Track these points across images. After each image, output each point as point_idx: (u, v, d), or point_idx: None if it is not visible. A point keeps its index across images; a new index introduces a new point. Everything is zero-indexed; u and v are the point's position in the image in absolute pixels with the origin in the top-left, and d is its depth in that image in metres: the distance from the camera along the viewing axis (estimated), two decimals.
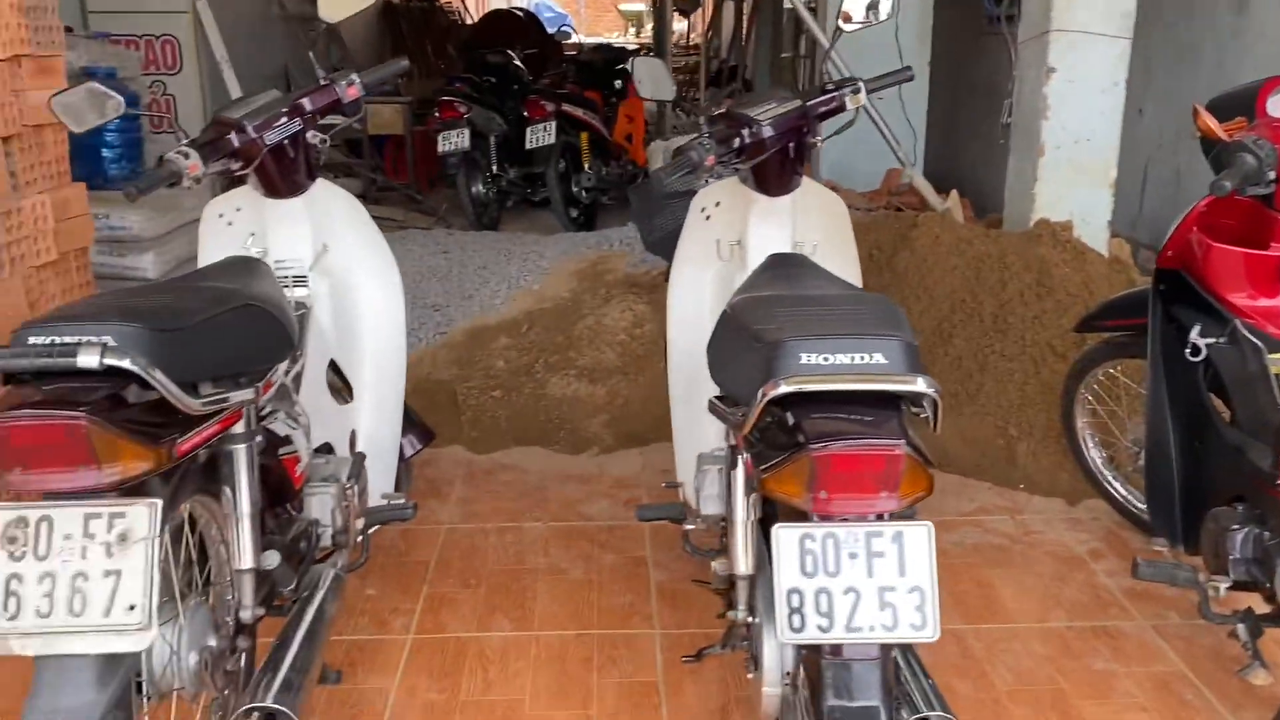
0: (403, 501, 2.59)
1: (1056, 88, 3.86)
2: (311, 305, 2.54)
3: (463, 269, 5.39)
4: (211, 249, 2.68)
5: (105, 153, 4.59)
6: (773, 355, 1.58)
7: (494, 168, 7.24)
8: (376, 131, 8.25)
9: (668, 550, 2.99)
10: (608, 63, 8.22)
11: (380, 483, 2.67)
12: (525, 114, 7.11)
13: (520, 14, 12.58)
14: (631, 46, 13.59)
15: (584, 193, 7.39)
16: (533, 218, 7.69)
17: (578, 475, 3.49)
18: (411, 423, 2.91)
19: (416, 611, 2.71)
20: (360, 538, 2.43)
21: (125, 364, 1.48)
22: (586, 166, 7.37)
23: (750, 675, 1.98)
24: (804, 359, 1.56)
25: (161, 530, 1.51)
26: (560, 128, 7.12)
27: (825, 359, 1.56)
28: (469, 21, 14.70)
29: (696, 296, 2.72)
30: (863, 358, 1.56)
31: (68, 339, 1.51)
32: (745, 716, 2.32)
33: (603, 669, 2.48)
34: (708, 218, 2.72)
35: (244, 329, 1.85)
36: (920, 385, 1.53)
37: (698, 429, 2.72)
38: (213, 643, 1.82)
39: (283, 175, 2.51)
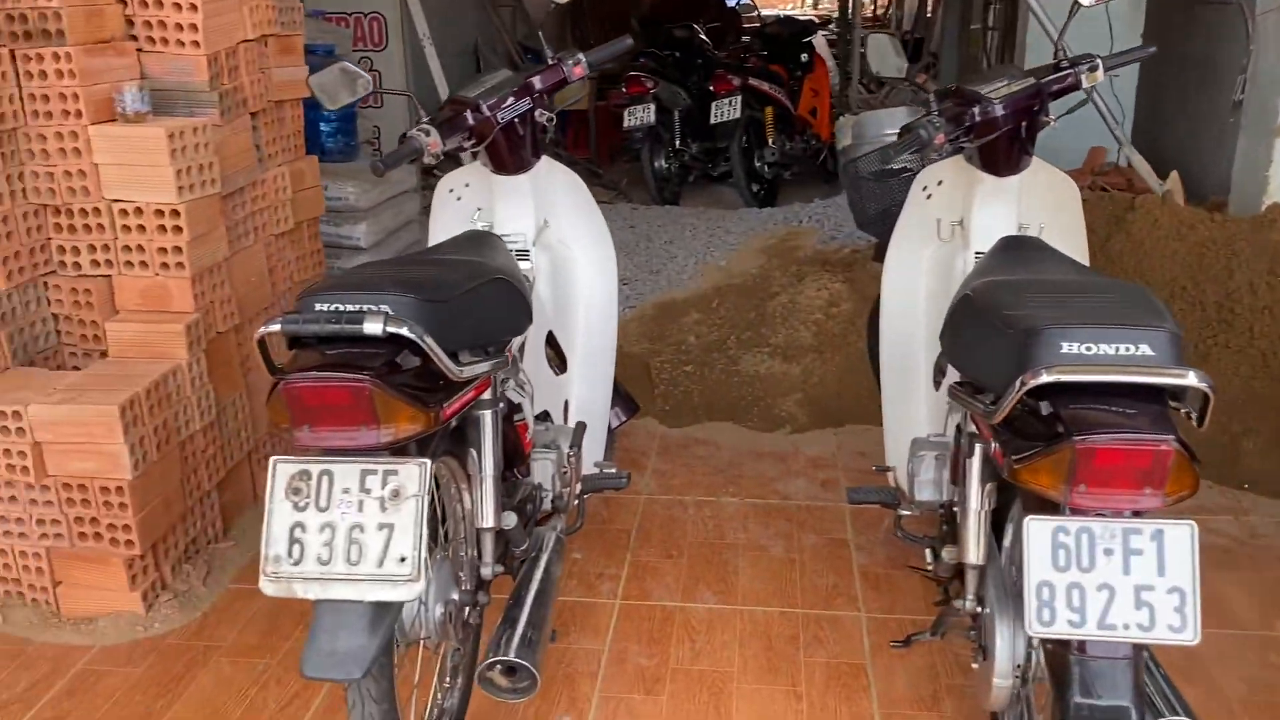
0: (615, 471, 2.66)
1: None
2: (534, 279, 2.63)
3: (649, 244, 5.46)
4: (441, 222, 2.81)
5: (323, 127, 4.82)
6: (1030, 343, 1.55)
7: (677, 142, 7.27)
8: (561, 106, 8.37)
9: (869, 533, 2.98)
10: (792, 36, 8.12)
11: (592, 451, 2.74)
12: (710, 88, 7.10)
13: None
14: (814, 19, 13.34)
15: (767, 168, 7.34)
16: (713, 193, 7.69)
17: (772, 453, 3.50)
18: (618, 394, 2.99)
19: (622, 578, 2.78)
20: (576, 503, 2.52)
21: (403, 331, 1.57)
22: (770, 141, 7.32)
23: (976, 665, 1.96)
24: (1065, 348, 1.52)
25: (429, 488, 1.60)
26: (745, 102, 7.09)
27: (1088, 349, 1.52)
28: None
29: (911, 276, 2.68)
30: (1128, 349, 1.51)
31: (350, 306, 1.61)
32: (956, 705, 2.29)
33: (809, 648, 2.49)
34: (929, 196, 2.66)
35: (496, 301, 1.93)
36: (1193, 379, 1.47)
37: (910, 412, 2.68)
38: (455, 596, 1.92)
39: (511, 152, 2.59)
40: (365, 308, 1.61)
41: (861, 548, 2.92)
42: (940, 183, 2.66)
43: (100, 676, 2.43)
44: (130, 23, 2.79)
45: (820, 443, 3.57)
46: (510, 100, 2.54)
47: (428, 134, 2.43)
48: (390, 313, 1.59)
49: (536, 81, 2.61)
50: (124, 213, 2.72)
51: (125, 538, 2.57)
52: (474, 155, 2.69)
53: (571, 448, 2.42)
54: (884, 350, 2.73)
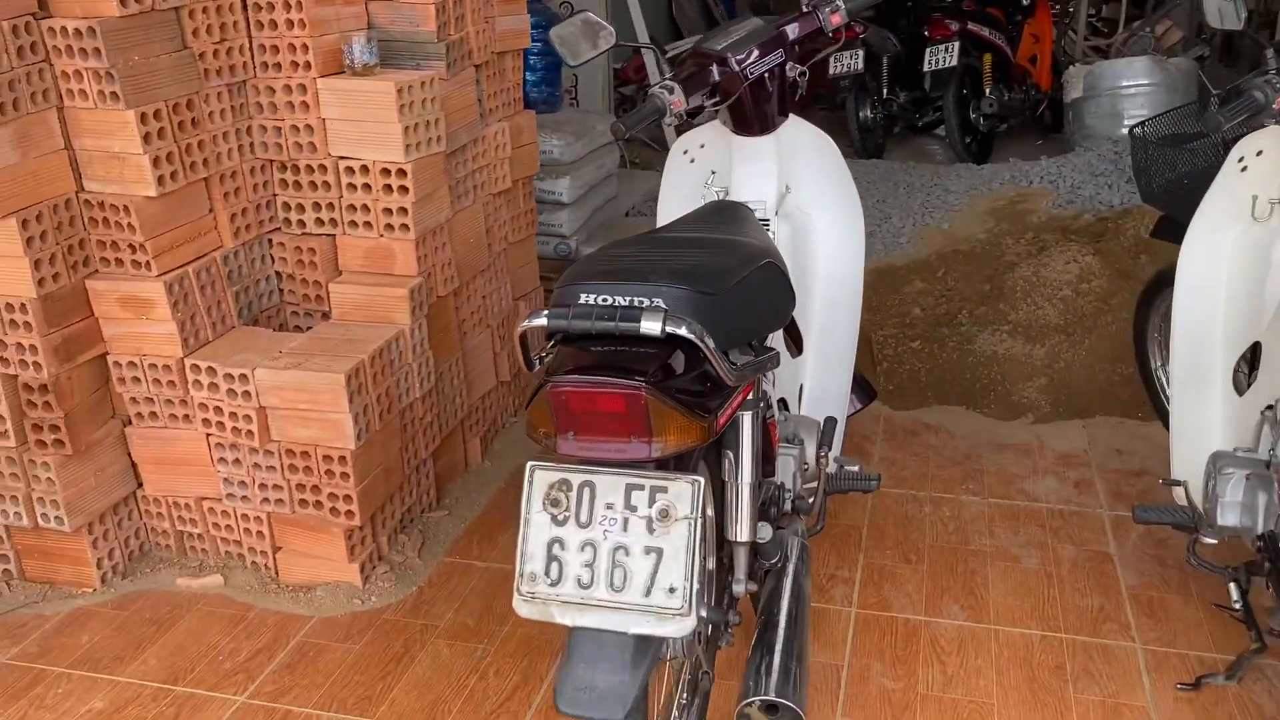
0: (858, 469, 2.41)
1: None
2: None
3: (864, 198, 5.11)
4: (671, 186, 2.60)
5: (528, 76, 4.68)
6: None
7: (885, 91, 6.84)
8: None
9: (1136, 548, 2.64)
10: None
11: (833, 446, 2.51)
12: (925, 33, 6.62)
13: None
14: None
15: (983, 120, 6.82)
16: (917, 146, 7.22)
17: (1013, 445, 3.18)
18: (854, 379, 2.73)
19: (856, 582, 2.55)
20: (819, 504, 2.29)
21: (682, 331, 1.37)
22: (988, 92, 6.79)
23: None
24: None
25: (703, 509, 1.40)
26: (963, 49, 6.58)
27: None
28: None
29: (1213, 261, 2.31)
30: None
31: (621, 299, 1.42)
32: None
33: (1079, 681, 2.20)
34: (1244, 169, 2.28)
35: (766, 289, 1.71)
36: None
37: (1204, 420, 2.33)
38: (704, 614, 1.73)
39: (757, 111, 2.36)
40: (638, 301, 1.41)
41: (1128, 564, 2.59)
42: (1260, 153, 2.27)
43: (320, 651, 2.37)
44: None
45: (1068, 436, 3.22)
46: (760, 53, 2.30)
47: (670, 91, 2.22)
48: (668, 309, 1.39)
49: (789, 31, 2.37)
50: (350, 170, 2.62)
51: (346, 508, 2.50)
52: (714, 114, 2.47)
53: (821, 447, 2.19)
54: (1175, 346, 2.38)
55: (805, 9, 2.41)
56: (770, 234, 2.42)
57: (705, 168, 2.54)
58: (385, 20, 2.70)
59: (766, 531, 1.83)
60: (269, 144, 2.64)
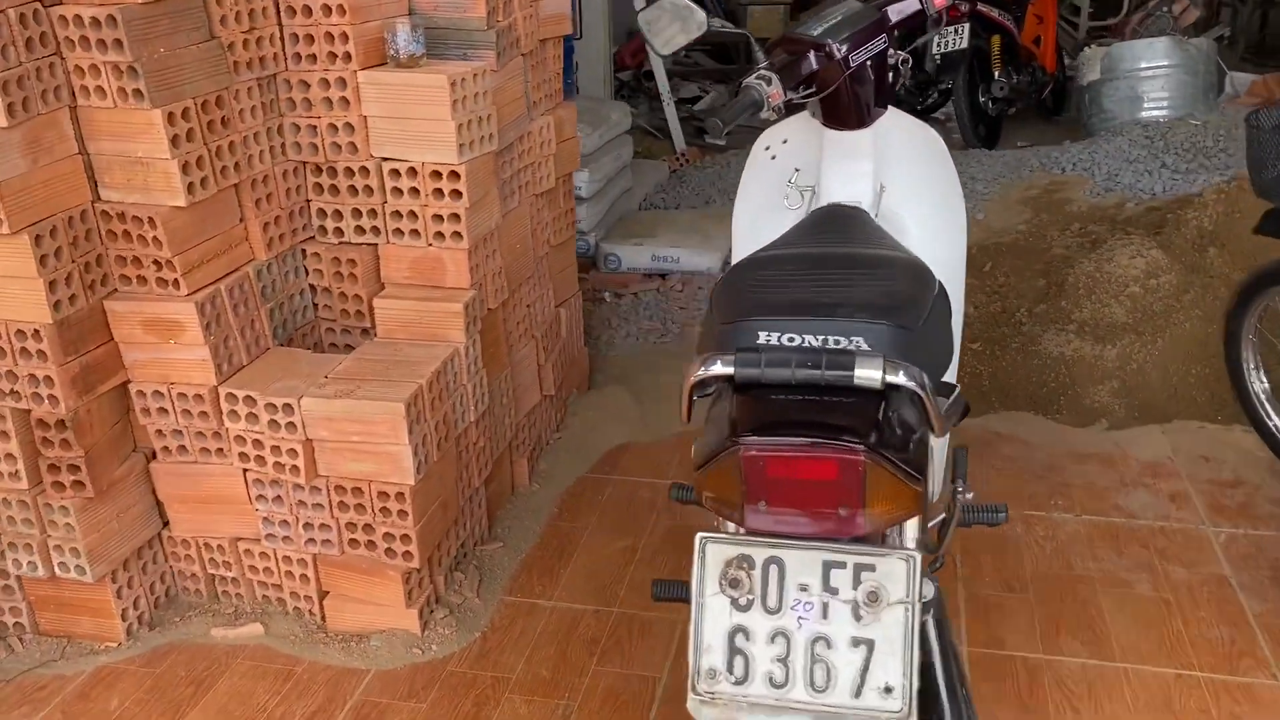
0: (977, 499, 2.19)
1: None
2: None
3: None
4: (751, 186, 2.38)
5: None
6: None
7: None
8: (758, 35, 7.80)
9: (1252, 569, 2.46)
10: None
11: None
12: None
13: None
14: None
15: (991, 104, 6.64)
16: None
17: (1095, 455, 2.98)
18: None
19: (962, 614, 2.35)
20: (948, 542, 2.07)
21: (901, 380, 1.14)
22: (997, 75, 6.60)
23: None
24: None
25: (920, 590, 1.18)
26: (972, 30, 6.38)
27: None
28: None
29: None
30: None
31: (813, 340, 1.19)
32: None
33: None
34: None
35: (945, 319, 1.48)
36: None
37: None
38: None
39: (855, 103, 2.13)
40: (834, 341, 1.18)
41: (1248, 589, 2.40)
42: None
43: (383, 713, 2.13)
44: None
45: (1149, 443, 3.03)
46: (862, 39, 2.07)
47: (768, 82, 1.99)
48: (883, 354, 1.16)
49: (892, 14, 2.14)
50: (395, 173, 2.36)
51: (403, 548, 2.25)
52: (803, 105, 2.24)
53: (957, 480, 1.97)
54: None
55: None
56: None
57: (788, 164, 2.31)
58: (428, 6, 2.44)
59: (930, 589, 1.61)
60: (303, 144, 2.37)
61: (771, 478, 1.13)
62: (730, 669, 1.20)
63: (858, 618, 1.18)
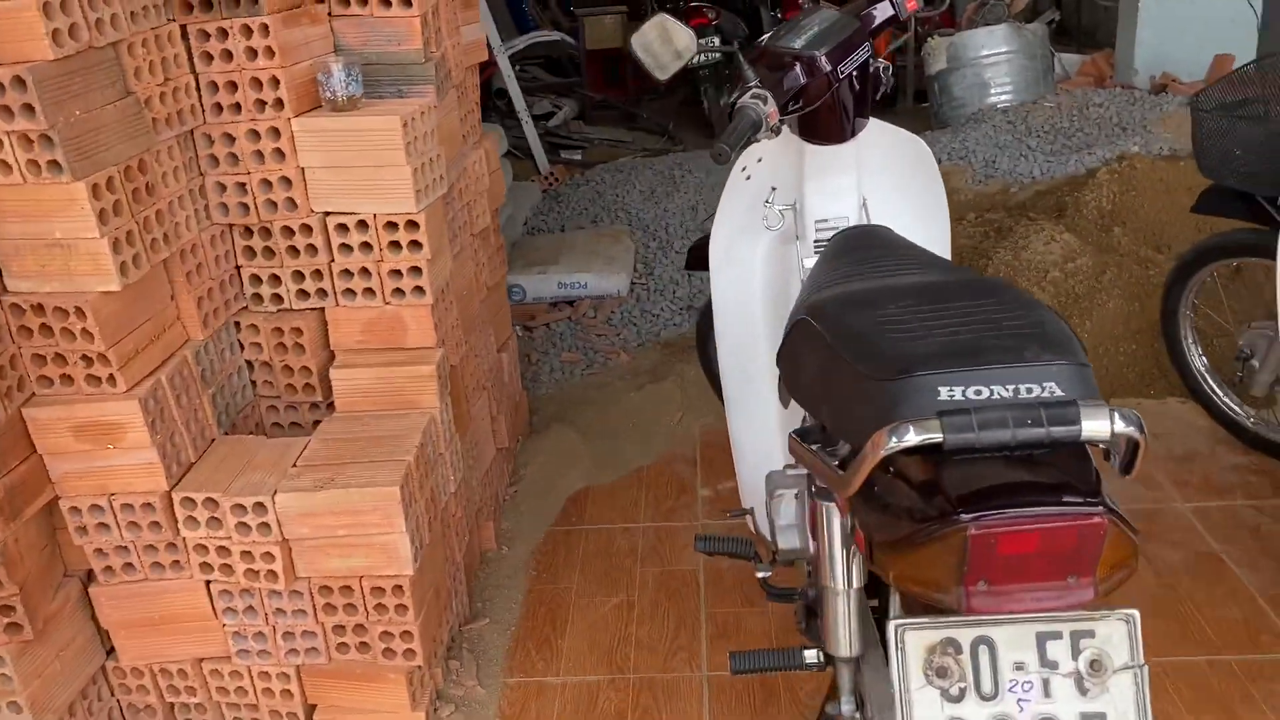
0: None
1: None
2: None
3: None
4: (728, 209, 2.27)
5: None
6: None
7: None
8: (596, 46, 7.71)
9: (1238, 543, 2.51)
10: None
11: None
12: (779, 15, 6.49)
13: None
14: None
15: None
16: None
17: None
18: None
19: None
20: None
21: (1127, 429, 1.03)
22: None
23: None
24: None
25: (1143, 652, 1.08)
26: None
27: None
28: None
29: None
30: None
31: (1003, 391, 1.07)
32: None
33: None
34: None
35: None
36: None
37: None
38: None
39: (839, 116, 2.05)
40: (1029, 389, 1.07)
41: (1242, 563, 2.44)
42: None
43: None
44: None
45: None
46: (848, 50, 1.99)
47: (764, 101, 1.88)
48: (1096, 398, 1.05)
49: (872, 20, 2.07)
50: (342, 228, 2.11)
51: (405, 646, 2.01)
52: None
53: None
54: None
55: None
56: None
57: (764, 183, 2.21)
58: (356, 40, 2.20)
59: None
60: (230, 205, 2.09)
61: (1003, 555, 1.01)
62: None
63: (1083, 691, 1.07)
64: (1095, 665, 1.07)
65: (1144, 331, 3.30)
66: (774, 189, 2.20)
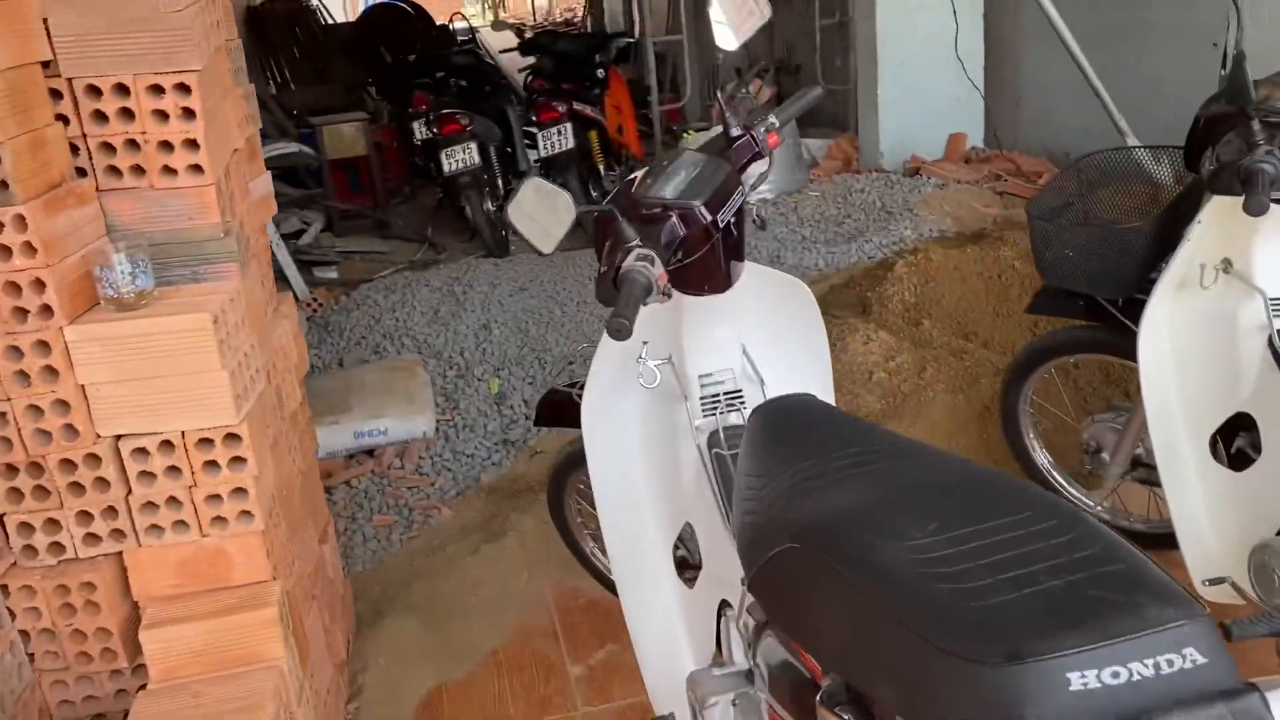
0: None
1: None
2: None
3: (562, 308, 4.67)
4: (599, 368, 2.04)
5: None
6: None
7: (500, 183, 6.48)
8: (338, 155, 7.31)
9: None
10: (589, 49, 7.48)
11: None
12: (534, 118, 6.36)
13: (406, 6, 11.65)
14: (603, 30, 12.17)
15: (603, 199, 6.69)
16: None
17: None
18: None
19: None
20: None
21: None
22: (603, 169, 6.68)
23: None
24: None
25: None
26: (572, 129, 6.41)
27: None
28: (335, 20, 13.51)
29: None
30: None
31: (1144, 668, 0.87)
32: None
33: None
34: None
35: None
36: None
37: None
38: None
39: (718, 264, 1.87)
40: (1170, 661, 0.87)
41: None
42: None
43: None
44: (76, 149, 1.74)
45: None
46: (724, 195, 1.83)
47: (652, 263, 1.69)
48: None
49: (742, 158, 1.93)
50: (141, 452, 1.69)
51: None
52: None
53: None
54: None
55: (736, 132, 1.98)
56: (740, 415, 1.95)
57: (634, 338, 1.98)
58: (134, 217, 1.79)
59: None
60: None
61: None
62: None
63: None
64: None
65: (970, 422, 3.31)
66: (645, 343, 1.98)
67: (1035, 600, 0.94)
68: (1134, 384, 2.76)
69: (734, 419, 1.98)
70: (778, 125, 1.99)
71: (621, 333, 1.65)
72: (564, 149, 6.30)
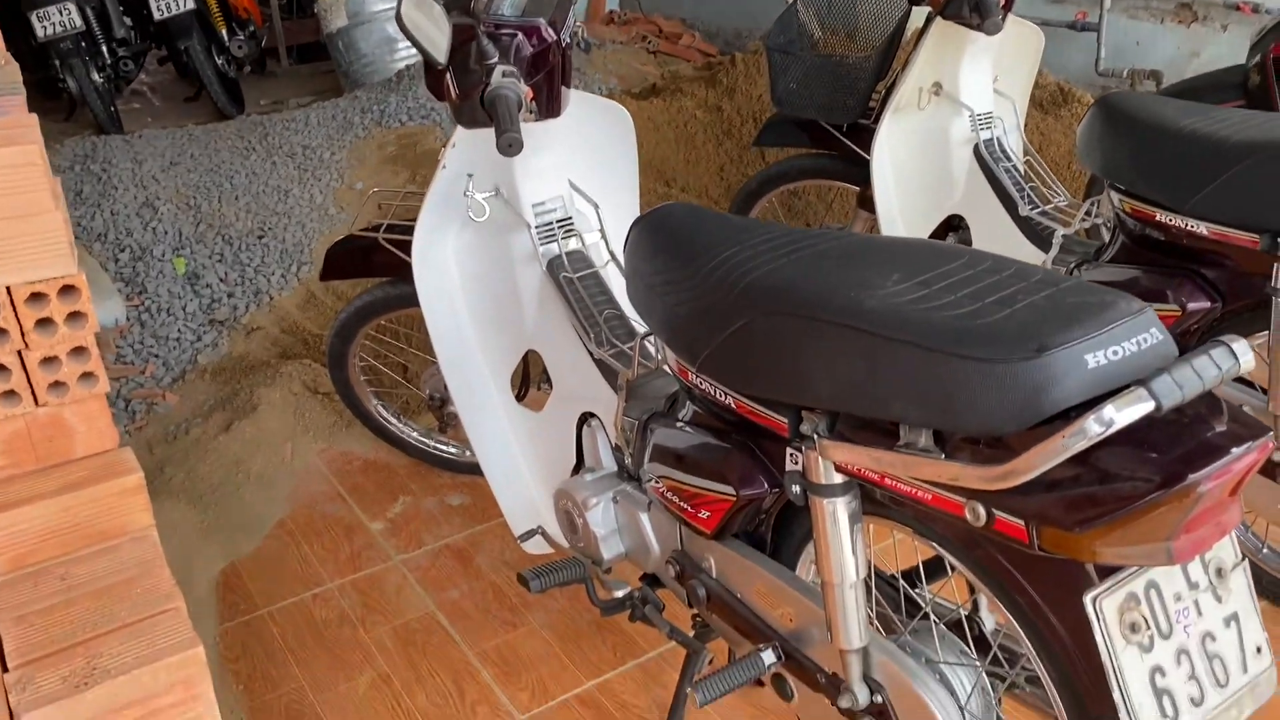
0: None
1: None
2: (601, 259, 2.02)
3: (228, 179, 4.32)
4: (428, 204, 2.00)
5: None
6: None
7: (108, 49, 5.76)
8: None
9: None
10: None
11: None
12: None
13: None
14: None
15: (229, 65, 6.16)
16: (152, 108, 6.35)
17: None
18: None
19: None
20: None
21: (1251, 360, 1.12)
22: (227, 36, 6.12)
23: None
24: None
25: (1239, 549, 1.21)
26: None
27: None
28: None
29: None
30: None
31: (1132, 345, 1.09)
32: None
33: None
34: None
35: None
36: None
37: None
38: None
39: (555, 85, 1.91)
40: (1144, 339, 1.10)
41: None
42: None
43: None
44: None
45: None
46: (565, 10, 1.87)
47: (517, 79, 1.72)
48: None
49: None
50: None
51: None
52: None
53: None
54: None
55: None
56: (578, 240, 2.02)
57: (459, 171, 1.99)
58: None
59: None
60: None
61: (1213, 503, 1.04)
62: (1163, 712, 1.11)
63: (1218, 598, 1.17)
64: (1219, 572, 1.17)
65: None
66: (470, 176, 1.97)
67: (1031, 311, 1.13)
68: (850, 206, 3.14)
69: (573, 244, 2.04)
70: None
71: (514, 147, 1.66)
72: (183, 10, 5.69)
